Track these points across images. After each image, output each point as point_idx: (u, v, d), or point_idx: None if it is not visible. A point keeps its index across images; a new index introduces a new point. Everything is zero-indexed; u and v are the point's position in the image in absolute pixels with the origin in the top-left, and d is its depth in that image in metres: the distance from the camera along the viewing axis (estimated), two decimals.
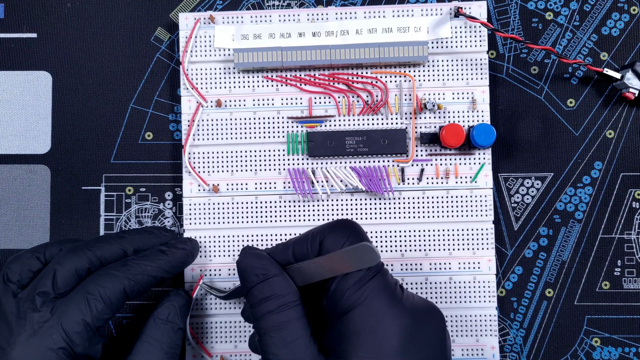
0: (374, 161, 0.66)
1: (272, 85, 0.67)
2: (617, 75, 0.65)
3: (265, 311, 0.53)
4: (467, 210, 0.66)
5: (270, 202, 0.67)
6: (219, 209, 0.67)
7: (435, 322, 0.54)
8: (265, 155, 0.67)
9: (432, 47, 0.66)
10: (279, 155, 0.67)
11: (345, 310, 0.52)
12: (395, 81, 0.66)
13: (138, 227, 0.69)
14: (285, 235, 0.67)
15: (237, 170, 0.67)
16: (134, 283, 0.58)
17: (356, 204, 0.66)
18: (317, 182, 0.66)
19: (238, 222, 0.67)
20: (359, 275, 0.53)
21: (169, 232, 0.65)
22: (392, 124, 0.66)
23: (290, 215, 0.67)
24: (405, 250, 0.66)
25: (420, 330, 0.52)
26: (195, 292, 0.66)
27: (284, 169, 0.67)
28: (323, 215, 0.67)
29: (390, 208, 0.66)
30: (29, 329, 0.55)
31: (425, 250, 0.66)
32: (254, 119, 0.67)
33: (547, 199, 0.68)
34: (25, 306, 0.56)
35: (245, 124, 0.67)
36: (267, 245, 0.67)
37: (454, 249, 0.66)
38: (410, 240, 0.66)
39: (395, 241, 0.66)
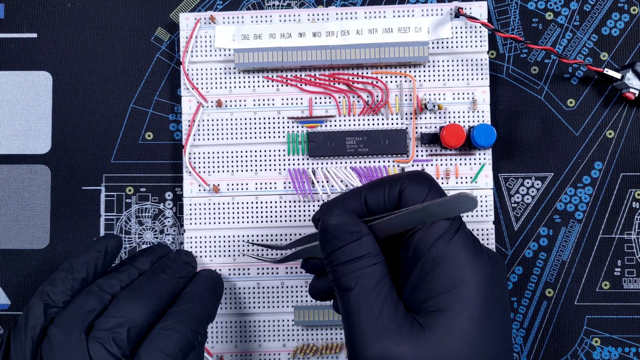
0: (374, 161, 0.66)
1: (273, 86, 0.67)
2: (618, 76, 0.65)
3: (357, 269, 0.51)
4: None
5: (271, 202, 0.67)
6: (219, 209, 0.67)
7: (503, 267, 0.53)
8: (265, 156, 0.67)
9: (433, 48, 0.66)
10: (279, 155, 0.67)
11: (433, 263, 0.51)
12: (396, 81, 0.66)
13: (139, 229, 0.69)
14: (285, 235, 0.67)
15: (237, 171, 0.67)
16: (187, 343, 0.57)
17: None
18: (318, 182, 0.66)
19: (238, 222, 0.67)
20: (444, 226, 0.51)
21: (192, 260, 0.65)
22: (392, 124, 0.66)
23: (290, 215, 0.67)
24: None
25: (497, 278, 0.52)
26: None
27: (285, 169, 0.67)
28: None
29: None
30: None
31: None
32: (255, 119, 0.67)
33: (547, 199, 0.68)
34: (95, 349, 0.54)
35: (245, 124, 0.67)
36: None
37: None
38: None
39: None
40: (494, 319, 0.50)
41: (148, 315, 0.55)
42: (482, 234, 0.66)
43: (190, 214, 0.67)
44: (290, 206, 0.67)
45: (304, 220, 0.67)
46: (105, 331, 0.53)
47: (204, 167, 0.67)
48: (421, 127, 0.66)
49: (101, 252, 0.58)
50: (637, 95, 0.66)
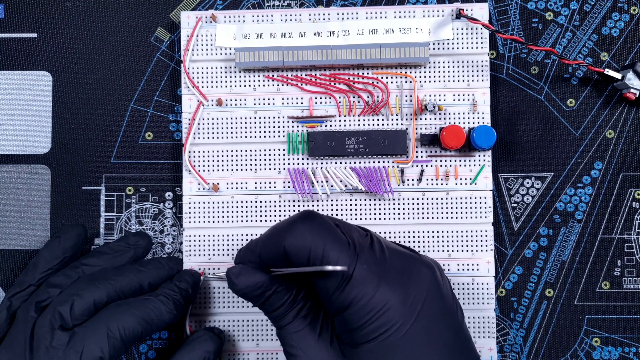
0: (374, 162, 0.66)
1: (273, 85, 0.67)
2: (618, 76, 0.65)
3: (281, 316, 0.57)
4: (466, 212, 0.66)
5: (270, 201, 0.67)
6: (218, 207, 0.67)
7: (422, 274, 0.54)
8: (265, 155, 0.67)
9: (434, 49, 0.66)
10: (279, 154, 0.67)
11: (340, 308, 0.53)
12: (396, 82, 0.66)
13: (139, 229, 0.69)
14: None
15: (237, 170, 0.67)
16: (150, 327, 0.60)
17: (356, 205, 0.66)
18: (317, 182, 0.66)
19: (237, 221, 0.67)
20: (335, 282, 0.53)
21: (177, 263, 0.66)
22: (392, 124, 0.66)
23: (289, 215, 0.66)
24: None
25: (411, 288, 0.53)
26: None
27: (284, 169, 0.67)
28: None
29: (389, 209, 0.66)
30: (44, 356, 0.56)
31: (424, 251, 0.66)
32: (255, 118, 0.67)
33: (547, 199, 0.68)
34: (41, 332, 0.57)
35: (245, 123, 0.67)
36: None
37: (453, 251, 0.66)
38: (409, 241, 0.66)
39: (395, 242, 0.66)
40: (429, 330, 0.53)
41: (98, 294, 0.59)
42: (481, 236, 0.66)
43: (190, 213, 0.67)
44: (289, 206, 0.67)
45: None
46: (51, 307, 0.59)
47: (204, 166, 0.67)
48: (421, 128, 0.66)
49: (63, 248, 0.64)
50: (637, 96, 0.66)
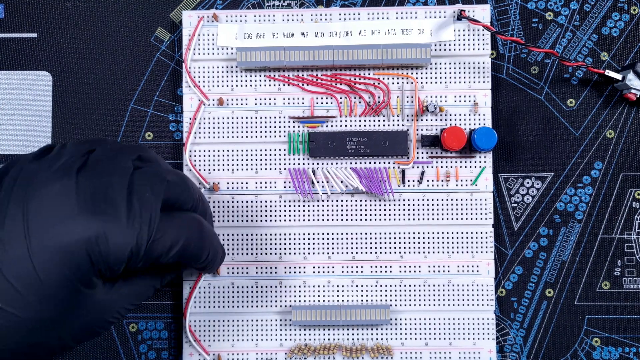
0: (374, 162, 0.66)
1: (274, 85, 0.67)
2: (618, 77, 0.65)
3: None
4: (466, 214, 0.66)
5: (270, 201, 0.67)
6: (218, 207, 0.67)
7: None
8: (266, 155, 0.67)
9: (435, 50, 0.66)
10: (279, 154, 0.67)
11: None
12: (398, 83, 0.66)
13: None
14: (285, 234, 0.67)
15: (237, 169, 0.67)
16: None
17: (356, 205, 0.67)
18: (318, 182, 0.66)
19: (237, 221, 0.67)
20: None
21: None
22: (393, 125, 0.66)
23: (290, 215, 0.67)
24: (404, 252, 0.67)
25: None
26: (195, 289, 0.66)
27: (285, 169, 0.67)
28: (323, 215, 0.67)
29: (390, 209, 0.66)
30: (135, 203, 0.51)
31: (424, 252, 0.66)
32: (256, 118, 0.67)
33: (547, 199, 0.68)
34: (139, 187, 0.52)
35: (246, 123, 0.67)
36: (265, 244, 0.67)
37: (453, 252, 0.66)
38: (409, 242, 0.67)
39: (395, 243, 0.66)
40: None
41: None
42: (482, 238, 0.66)
43: None
44: (289, 206, 0.67)
45: (304, 220, 0.67)
46: (149, 182, 0.53)
47: (204, 165, 0.67)
48: (422, 129, 0.66)
49: None
50: (638, 96, 0.66)
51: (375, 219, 0.66)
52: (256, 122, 0.67)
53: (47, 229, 0.48)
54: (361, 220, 0.67)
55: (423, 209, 0.66)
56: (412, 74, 0.66)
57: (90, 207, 0.49)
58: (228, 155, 0.67)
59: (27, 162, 0.52)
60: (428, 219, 0.66)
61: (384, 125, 0.66)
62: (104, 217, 0.49)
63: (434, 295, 0.66)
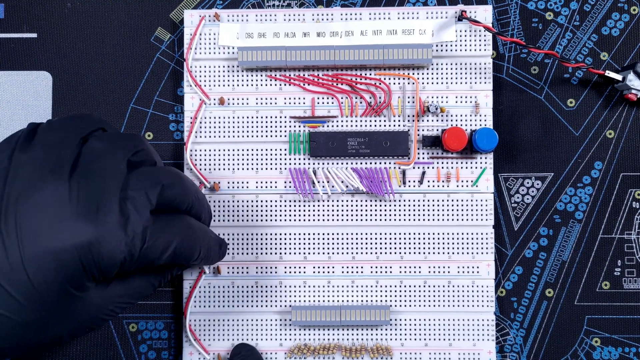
0: (375, 163, 0.66)
1: (276, 85, 0.67)
2: (619, 77, 0.65)
3: None
4: (467, 214, 0.66)
5: (271, 201, 0.67)
6: (219, 207, 0.67)
7: None
8: (266, 155, 0.67)
9: (436, 50, 0.66)
10: (280, 154, 0.67)
11: None
12: (399, 83, 0.66)
13: None
14: (285, 234, 0.67)
15: (238, 169, 0.67)
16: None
17: (356, 205, 0.67)
18: (318, 182, 0.66)
19: (238, 221, 0.67)
20: None
21: None
22: (394, 126, 0.66)
23: (290, 215, 0.67)
24: (405, 253, 0.67)
25: None
26: (195, 288, 0.66)
27: (285, 169, 0.67)
28: (323, 215, 0.67)
29: (390, 210, 0.67)
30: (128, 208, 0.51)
31: (424, 253, 0.67)
32: (257, 117, 0.67)
33: (547, 199, 0.68)
34: (135, 193, 0.52)
35: (247, 122, 0.67)
36: (265, 244, 0.67)
37: (453, 253, 0.66)
38: (409, 243, 0.67)
39: (395, 243, 0.67)
40: None
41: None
42: (482, 239, 0.66)
43: None
44: (290, 206, 0.67)
45: (304, 220, 0.67)
46: (144, 184, 0.53)
47: (205, 165, 0.67)
48: (423, 130, 0.67)
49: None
50: (639, 97, 0.66)
51: (376, 220, 0.66)
52: (257, 122, 0.67)
53: (40, 234, 0.48)
54: (361, 220, 0.67)
55: (423, 210, 0.66)
56: (413, 74, 0.66)
57: (84, 213, 0.49)
58: (229, 155, 0.67)
59: (18, 150, 0.51)
60: (428, 220, 0.66)
61: (385, 125, 0.66)
62: (97, 224, 0.49)
63: (434, 296, 0.66)
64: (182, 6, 0.69)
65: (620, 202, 0.68)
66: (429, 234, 0.66)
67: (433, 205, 0.66)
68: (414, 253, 0.66)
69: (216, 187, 0.67)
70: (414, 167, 0.66)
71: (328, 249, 0.67)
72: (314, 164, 0.67)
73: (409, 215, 0.66)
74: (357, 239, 0.67)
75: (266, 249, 0.67)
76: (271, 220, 0.67)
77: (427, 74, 0.66)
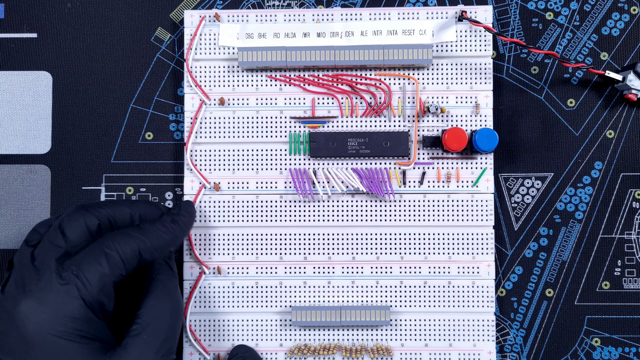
0: (375, 163, 0.66)
1: (276, 85, 0.67)
2: (619, 77, 0.65)
3: None
4: (467, 215, 0.66)
5: (271, 201, 0.67)
6: (219, 207, 0.67)
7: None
8: (267, 155, 0.67)
9: (437, 51, 0.66)
10: (280, 154, 0.67)
11: None
12: (399, 83, 0.66)
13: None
14: (285, 235, 0.67)
15: (238, 169, 0.67)
16: (149, 245, 0.58)
17: (357, 206, 0.67)
18: (318, 182, 0.66)
19: (238, 221, 0.67)
20: None
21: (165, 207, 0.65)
22: (394, 126, 0.66)
23: (290, 215, 0.67)
24: (405, 253, 0.67)
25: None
26: (195, 289, 0.66)
27: (286, 169, 0.67)
28: (323, 216, 0.67)
29: (390, 210, 0.67)
30: (47, 279, 0.55)
31: (424, 253, 0.67)
32: (257, 118, 0.67)
33: (547, 199, 0.68)
34: (41, 259, 0.56)
35: (247, 122, 0.67)
36: (265, 244, 0.67)
37: (453, 253, 0.66)
38: (409, 243, 0.67)
39: (395, 244, 0.67)
40: None
41: (88, 217, 0.59)
42: (482, 239, 0.66)
43: None
44: (290, 206, 0.67)
45: (304, 220, 0.67)
46: (45, 237, 0.58)
47: (205, 165, 0.67)
48: (423, 130, 0.66)
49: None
50: (639, 97, 0.66)
51: (376, 220, 0.66)
52: (257, 122, 0.67)
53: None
54: (362, 220, 0.67)
55: (424, 210, 0.66)
56: (413, 74, 0.66)
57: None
58: (229, 155, 0.67)
59: (22, 297, 0.56)
60: (428, 220, 0.66)
61: (385, 125, 0.66)
62: None
63: (434, 296, 0.66)
64: (182, 6, 0.69)
65: (620, 202, 0.68)
66: (429, 234, 0.66)
67: (433, 206, 0.66)
68: (414, 253, 0.66)
69: (216, 187, 0.67)
70: (414, 168, 0.66)
71: (328, 249, 0.67)
72: (314, 164, 0.67)
73: (409, 215, 0.66)
74: (357, 239, 0.67)
75: (266, 249, 0.67)
76: (271, 220, 0.67)
77: (427, 74, 0.66)
